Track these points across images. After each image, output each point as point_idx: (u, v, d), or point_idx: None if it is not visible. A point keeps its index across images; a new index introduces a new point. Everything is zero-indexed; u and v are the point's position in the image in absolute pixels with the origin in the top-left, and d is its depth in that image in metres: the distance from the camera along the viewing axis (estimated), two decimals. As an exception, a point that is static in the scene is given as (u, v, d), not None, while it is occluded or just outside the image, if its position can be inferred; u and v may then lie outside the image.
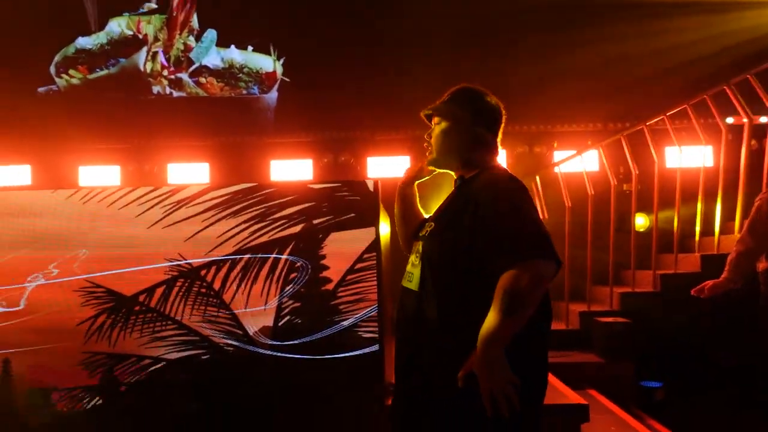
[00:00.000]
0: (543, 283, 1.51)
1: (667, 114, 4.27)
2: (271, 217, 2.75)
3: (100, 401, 2.71)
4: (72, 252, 2.78)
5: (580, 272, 4.39)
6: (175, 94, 6.17)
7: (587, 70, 5.36)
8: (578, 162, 4.58)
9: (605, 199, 4.35)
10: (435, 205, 1.82)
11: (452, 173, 1.82)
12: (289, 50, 6.09)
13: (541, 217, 1.61)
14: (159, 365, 2.71)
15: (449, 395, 1.53)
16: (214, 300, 2.73)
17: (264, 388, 2.72)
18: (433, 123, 1.83)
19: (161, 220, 2.76)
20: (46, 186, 5.72)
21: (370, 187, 2.76)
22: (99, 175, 5.86)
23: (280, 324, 2.71)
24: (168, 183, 5.70)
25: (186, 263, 2.74)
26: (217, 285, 2.73)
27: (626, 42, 5.40)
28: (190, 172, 5.76)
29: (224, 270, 2.74)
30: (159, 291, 2.74)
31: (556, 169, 4.71)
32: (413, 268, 1.72)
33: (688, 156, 4.38)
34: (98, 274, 2.74)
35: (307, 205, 2.75)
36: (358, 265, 2.71)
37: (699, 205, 4.15)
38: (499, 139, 1.81)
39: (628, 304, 4.17)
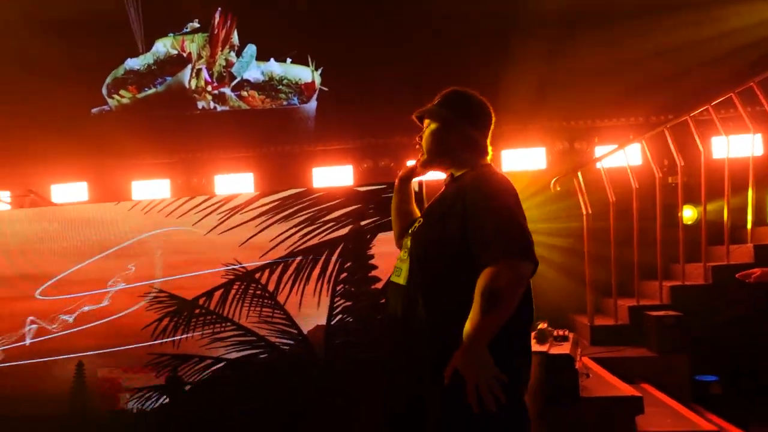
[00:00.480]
0: (522, 282, 1.55)
1: (712, 104, 4.19)
2: (321, 221, 2.86)
3: (167, 400, 2.86)
4: (136, 260, 2.95)
5: (627, 268, 4.33)
6: (219, 108, 6.40)
7: (627, 63, 5.31)
8: (621, 156, 4.54)
9: (650, 193, 4.30)
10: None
11: (443, 173, 1.88)
12: (327, 60, 6.24)
13: (522, 218, 1.64)
14: (219, 365, 2.85)
15: (437, 390, 1.56)
16: (269, 301, 2.85)
17: (317, 385, 2.81)
18: (424, 125, 1.89)
19: (217, 226, 2.90)
20: (102, 201, 6.03)
21: (415, 187, 2.83)
22: (150, 189, 6.12)
23: (332, 322, 2.81)
24: (215, 194, 5.92)
25: (241, 267, 2.87)
26: (271, 287, 2.85)
27: (666, 34, 5.33)
28: (236, 183, 5.95)
29: (278, 272, 2.85)
30: (217, 294, 2.88)
31: (598, 165, 4.68)
32: (401, 263, 1.77)
33: (736, 145, 4.29)
34: (161, 279, 2.90)
35: (353, 207, 2.85)
36: (406, 264, 2.78)
37: (750, 195, 4.05)
38: (488, 139, 1.87)
39: (678, 298, 4.09)
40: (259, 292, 2.85)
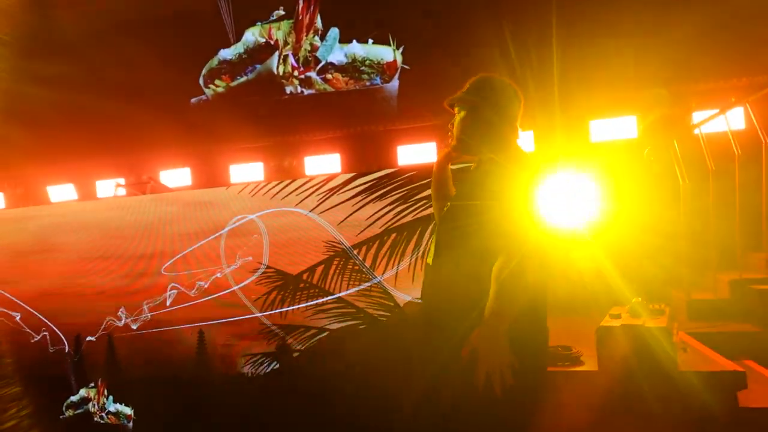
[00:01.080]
0: (534, 269, 1.55)
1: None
2: (414, 198, 2.99)
3: (277, 365, 3.15)
4: (245, 238, 3.24)
5: (726, 240, 4.14)
6: (306, 92, 6.67)
7: (727, 19, 4.97)
8: (721, 121, 4.31)
9: (754, 160, 4.06)
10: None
11: (474, 157, 1.95)
12: (408, 38, 6.30)
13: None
14: (323, 334, 3.09)
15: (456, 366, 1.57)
16: (367, 276, 3.04)
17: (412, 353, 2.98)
18: (454, 112, 1.98)
19: (317, 207, 3.12)
20: (203, 185, 6.52)
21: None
22: (246, 172, 6.53)
23: (427, 296, 2.95)
24: (306, 175, 6.23)
25: (340, 244, 3.07)
26: (368, 262, 3.04)
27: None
28: (324, 163, 6.22)
29: (374, 248, 3.03)
30: (319, 270, 3.11)
31: (696, 131, 4.46)
32: (431, 244, 1.83)
33: None
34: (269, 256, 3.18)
35: (445, 185, 2.95)
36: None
37: None
38: (517, 121, 1.91)
39: (787, 270, 3.88)
40: (357, 267, 3.05)
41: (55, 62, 6.76)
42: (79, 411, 3.43)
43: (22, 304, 3.60)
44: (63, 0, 7.11)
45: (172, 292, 3.22)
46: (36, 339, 3.60)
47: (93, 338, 3.41)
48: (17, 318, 3.55)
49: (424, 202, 2.98)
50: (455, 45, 5.78)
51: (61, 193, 7.21)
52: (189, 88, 6.94)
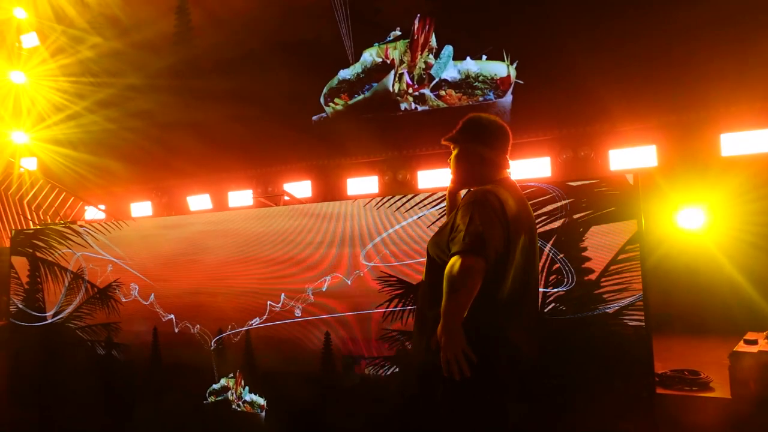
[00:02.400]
0: (471, 273, 1.88)
1: None
2: (534, 214, 3.04)
3: (397, 369, 3.33)
4: (365, 248, 3.47)
5: None
6: (420, 108, 6.90)
7: None
8: None
9: None
10: None
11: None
12: (522, 53, 6.33)
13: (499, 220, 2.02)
14: (442, 342, 3.22)
15: (424, 356, 2.03)
16: (486, 288, 3.13)
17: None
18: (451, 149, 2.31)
19: (437, 220, 3.27)
20: (323, 197, 6.96)
21: (630, 180, 2.87)
22: (362, 185, 6.89)
23: (545, 310, 2.99)
24: (418, 189, 6.44)
25: (460, 256, 3.20)
26: (487, 275, 3.13)
27: None
28: (437, 177, 6.40)
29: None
30: (439, 280, 3.25)
31: None
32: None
33: None
34: (390, 264, 3.38)
35: (566, 201, 2.98)
36: (621, 256, 2.84)
37: None
38: (506, 154, 2.28)
39: None
40: (476, 279, 3.15)
41: (195, 89, 7.58)
42: (219, 398, 3.83)
43: (175, 300, 4.10)
44: (202, 29, 7.92)
45: (305, 298, 3.53)
46: (176, 330, 4.09)
47: (233, 333, 3.80)
48: (180, 315, 4.06)
49: (545, 217, 3.02)
50: (568, 60, 5.73)
51: (199, 202, 8.04)
52: (311, 107, 7.47)
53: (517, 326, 2.08)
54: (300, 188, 7.27)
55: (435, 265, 2.11)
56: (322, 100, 7.46)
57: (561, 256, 2.98)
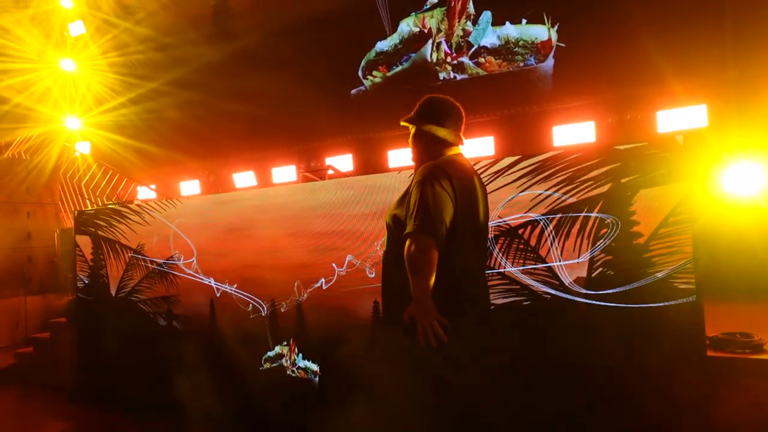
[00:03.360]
0: (425, 250, 2.11)
1: None
2: (579, 179, 3.03)
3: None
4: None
5: None
6: (458, 77, 6.84)
7: None
8: None
9: None
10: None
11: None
12: (563, 15, 6.16)
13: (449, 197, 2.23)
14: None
15: (397, 327, 2.19)
16: (532, 254, 3.16)
17: (580, 335, 3.05)
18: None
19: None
20: (364, 170, 7.04)
21: (680, 141, 2.82)
22: (403, 156, 6.90)
23: (593, 275, 3.00)
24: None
25: (505, 224, 3.23)
26: (533, 242, 3.16)
27: None
28: (477, 147, 6.37)
29: (539, 228, 3.14)
30: (484, 248, 3.29)
31: None
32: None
33: None
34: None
35: (613, 165, 2.95)
36: (671, 219, 2.81)
37: None
38: (458, 131, 2.47)
39: None
40: (522, 246, 3.18)
41: (237, 68, 7.70)
42: (274, 365, 4.02)
43: (229, 273, 4.28)
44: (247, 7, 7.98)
45: (347, 268, 3.64)
46: (232, 301, 4.28)
47: (285, 303, 3.96)
48: (234, 287, 4.25)
49: (591, 182, 3.01)
50: (611, 19, 5.55)
51: (244, 179, 8.26)
52: (350, 80, 7.50)
53: (475, 286, 2.37)
54: (342, 162, 7.36)
55: (393, 233, 2.37)
56: (360, 73, 7.48)
57: (609, 220, 2.97)
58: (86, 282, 5.21)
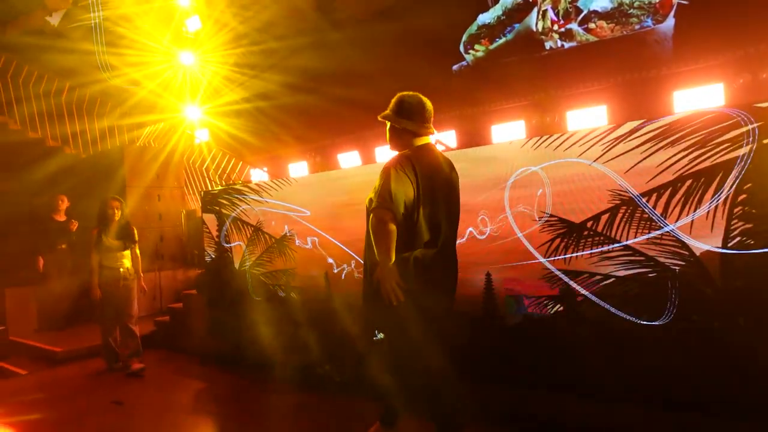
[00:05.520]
0: (382, 223, 2.63)
1: None
2: (713, 143, 2.82)
3: (561, 308, 3.35)
4: (528, 190, 3.47)
5: None
6: (566, 45, 6.54)
7: None
8: None
9: None
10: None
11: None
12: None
13: (409, 181, 2.75)
14: (609, 281, 3.16)
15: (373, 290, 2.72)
16: (657, 224, 3.00)
17: (712, 305, 2.85)
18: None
19: (601, 156, 3.16)
20: (467, 146, 6.97)
21: None
22: (507, 131, 6.76)
23: (729, 245, 2.79)
24: (568, 131, 6.17)
25: (627, 193, 3.08)
26: (659, 210, 2.99)
27: None
28: (588, 117, 6.07)
29: (665, 196, 2.96)
30: (604, 218, 3.17)
31: None
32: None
33: None
34: (550, 205, 3.36)
35: (753, 125, 2.71)
36: (825, 182, 2.54)
37: None
38: (427, 124, 2.94)
39: None
40: (646, 215, 3.02)
41: (342, 49, 7.89)
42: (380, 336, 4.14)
43: (339, 247, 4.46)
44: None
45: (462, 239, 3.66)
46: (344, 275, 4.46)
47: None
48: (352, 264, 4.42)
49: (727, 145, 2.78)
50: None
51: (349, 159, 8.49)
52: (451, 56, 7.42)
53: (434, 257, 2.80)
54: (445, 139, 7.34)
55: (367, 212, 2.80)
56: (461, 48, 7.38)
57: (747, 186, 2.74)
58: (213, 256, 5.67)
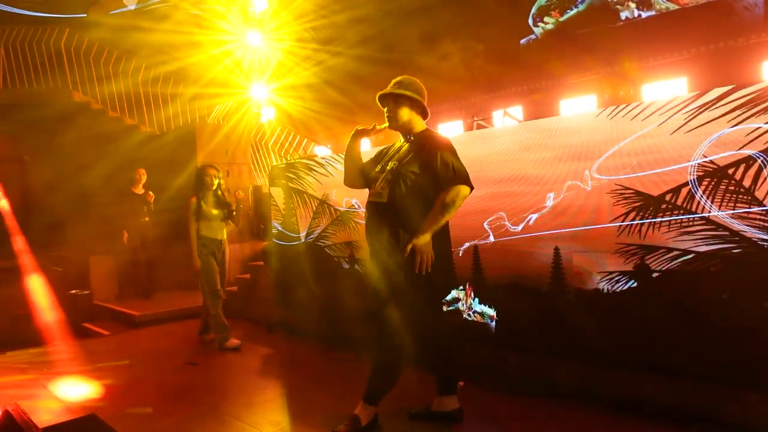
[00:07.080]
0: (463, 199, 2.83)
1: None
2: (812, 109, 2.61)
3: (635, 284, 3.23)
4: (598, 161, 3.35)
5: None
6: (644, 14, 6.20)
7: None
8: None
9: None
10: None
11: (401, 133, 3.15)
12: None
13: None
14: (688, 256, 3.02)
15: (398, 257, 2.85)
16: (744, 197, 2.82)
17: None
18: (389, 101, 3.05)
19: (683, 125, 3.00)
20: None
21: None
22: (576, 106, 6.52)
23: (825, 220, 2.59)
24: (644, 104, 5.88)
25: (712, 164, 2.91)
26: (747, 182, 2.81)
27: None
28: (665, 90, 5.76)
29: (755, 167, 2.78)
30: (684, 190, 3.01)
31: None
32: (382, 189, 2.96)
33: None
34: (625, 176, 3.23)
35: None
36: None
37: None
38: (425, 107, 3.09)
39: None
40: (732, 187, 2.85)
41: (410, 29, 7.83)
42: (451, 308, 4.16)
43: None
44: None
45: (532, 215, 3.59)
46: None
47: (461, 249, 4.05)
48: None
49: (828, 111, 2.57)
50: None
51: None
52: (518, 30, 7.22)
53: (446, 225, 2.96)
54: (512, 113, 7.18)
55: (412, 181, 2.88)
56: (530, 21, 7.15)
57: None
58: (279, 229, 5.84)
